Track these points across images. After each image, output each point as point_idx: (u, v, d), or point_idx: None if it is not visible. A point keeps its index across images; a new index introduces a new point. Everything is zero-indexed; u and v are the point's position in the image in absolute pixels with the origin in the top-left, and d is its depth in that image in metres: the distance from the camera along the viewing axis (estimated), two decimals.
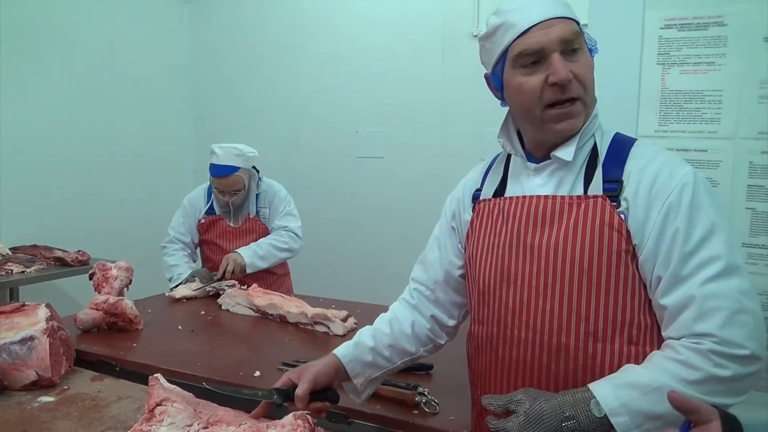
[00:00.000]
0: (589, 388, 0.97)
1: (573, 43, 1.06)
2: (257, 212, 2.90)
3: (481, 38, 1.17)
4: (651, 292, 1.04)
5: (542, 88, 1.07)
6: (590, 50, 1.11)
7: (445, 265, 1.32)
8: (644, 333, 1.05)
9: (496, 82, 1.16)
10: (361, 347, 1.27)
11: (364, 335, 1.30)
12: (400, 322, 1.32)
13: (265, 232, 2.90)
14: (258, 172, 2.90)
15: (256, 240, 2.86)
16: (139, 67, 4.07)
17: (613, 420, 0.93)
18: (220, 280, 2.66)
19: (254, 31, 4.20)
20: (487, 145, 3.36)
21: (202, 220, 2.90)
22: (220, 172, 2.74)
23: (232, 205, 2.82)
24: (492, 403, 1.02)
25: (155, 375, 1.20)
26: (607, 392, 0.95)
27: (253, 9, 4.20)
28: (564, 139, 1.11)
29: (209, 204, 2.90)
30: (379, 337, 1.29)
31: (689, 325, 0.97)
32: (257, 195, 2.91)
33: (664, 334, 1.03)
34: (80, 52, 3.70)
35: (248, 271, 2.73)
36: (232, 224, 2.88)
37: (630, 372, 0.99)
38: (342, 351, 1.26)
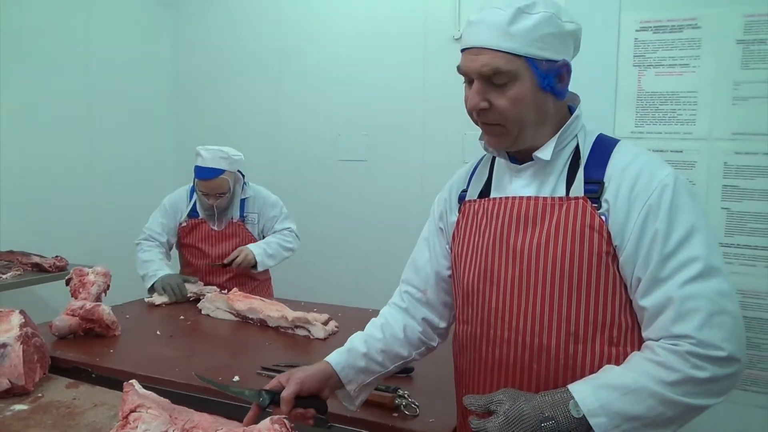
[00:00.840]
0: (568, 389, 0.98)
1: (495, 78, 1.06)
2: (243, 217, 2.89)
3: None
4: (631, 293, 1.05)
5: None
6: (544, 79, 1.07)
7: (434, 266, 1.31)
8: (625, 334, 1.06)
9: None
10: (354, 353, 1.26)
11: (356, 341, 1.28)
12: (391, 327, 1.31)
13: (249, 237, 2.88)
14: (243, 176, 2.89)
15: (239, 244, 2.84)
16: (118, 70, 4.02)
17: (591, 421, 0.94)
18: (228, 265, 2.70)
19: (236, 34, 4.17)
20: (469, 149, 3.38)
21: (184, 223, 2.87)
22: (205, 174, 2.71)
23: (216, 208, 2.80)
24: (473, 403, 1.02)
25: (130, 381, 1.18)
26: (586, 393, 0.96)
27: (234, 13, 4.17)
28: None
29: (192, 206, 2.88)
30: (371, 342, 1.28)
31: (667, 327, 0.98)
32: (244, 200, 2.89)
33: (643, 335, 1.04)
34: (58, 55, 3.64)
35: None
36: (215, 228, 2.85)
37: (609, 373, 1.00)
38: (334, 358, 1.25)
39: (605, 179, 1.07)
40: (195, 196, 2.85)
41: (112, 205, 3.95)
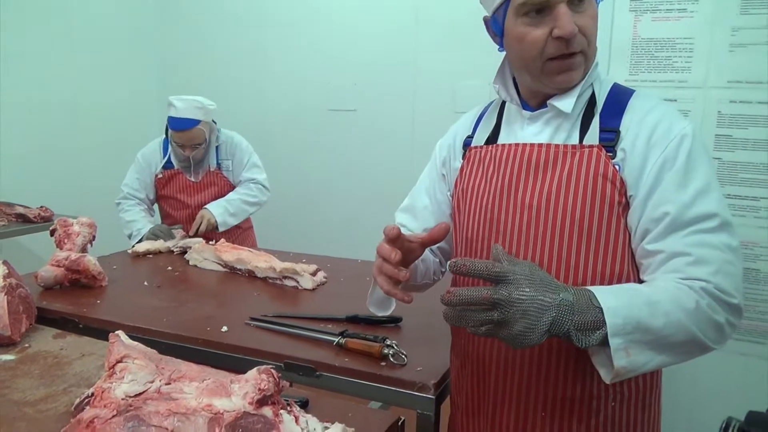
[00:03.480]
0: (587, 287, 0.93)
1: None
2: (218, 165, 2.84)
3: None
4: (634, 241, 1.03)
5: (546, 40, 1.02)
6: None
7: (436, 213, 1.29)
8: None
9: (495, 27, 1.10)
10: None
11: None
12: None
13: (227, 185, 2.85)
14: (215, 124, 2.83)
15: (218, 193, 2.81)
16: (101, 18, 3.89)
17: (608, 319, 0.88)
18: (196, 234, 2.64)
19: None
20: (461, 99, 3.33)
21: (160, 175, 2.83)
22: (180, 125, 2.65)
23: (192, 159, 2.75)
24: (500, 254, 0.93)
25: (116, 332, 1.17)
26: (606, 293, 0.91)
27: None
28: (562, 90, 1.07)
29: (166, 158, 2.82)
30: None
31: (682, 268, 0.96)
32: (217, 147, 2.85)
33: (649, 277, 1.01)
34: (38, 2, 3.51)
35: (220, 229, 2.72)
36: (192, 179, 2.81)
37: (630, 284, 0.99)
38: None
39: (622, 128, 1.04)
40: (170, 148, 2.79)
41: (97, 156, 3.89)
